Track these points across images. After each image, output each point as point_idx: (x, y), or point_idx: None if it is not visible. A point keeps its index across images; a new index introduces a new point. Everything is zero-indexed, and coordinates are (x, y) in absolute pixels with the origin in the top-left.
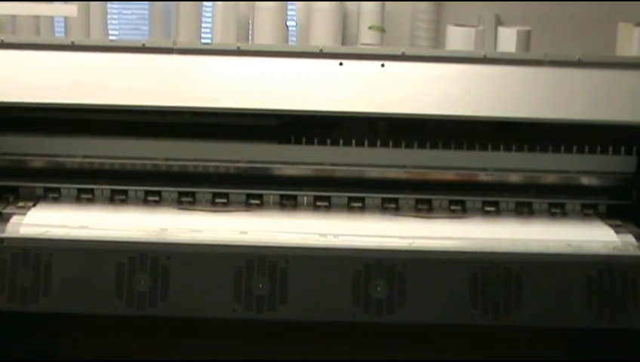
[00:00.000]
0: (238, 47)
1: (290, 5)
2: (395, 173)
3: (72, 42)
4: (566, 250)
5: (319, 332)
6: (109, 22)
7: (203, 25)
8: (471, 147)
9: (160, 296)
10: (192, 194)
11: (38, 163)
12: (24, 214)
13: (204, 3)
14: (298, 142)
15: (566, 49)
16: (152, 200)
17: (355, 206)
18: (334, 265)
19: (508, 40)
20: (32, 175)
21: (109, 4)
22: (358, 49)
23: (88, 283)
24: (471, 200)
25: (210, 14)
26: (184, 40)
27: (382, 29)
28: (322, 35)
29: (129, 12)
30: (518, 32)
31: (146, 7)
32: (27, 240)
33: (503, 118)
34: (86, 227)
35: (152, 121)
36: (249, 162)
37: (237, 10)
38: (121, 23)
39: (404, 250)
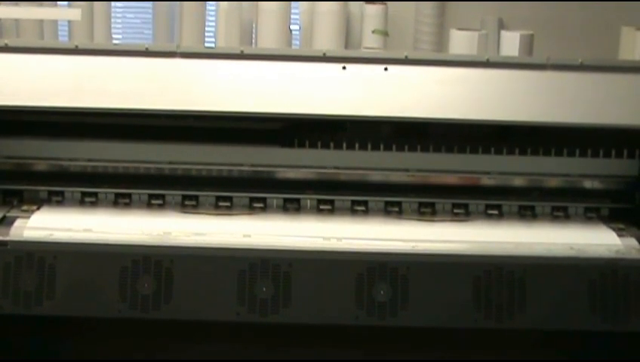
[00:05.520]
0: (242, 51)
1: (294, 9)
2: (399, 177)
3: (76, 46)
4: (569, 254)
5: (322, 336)
6: (112, 25)
7: (206, 27)
8: (474, 150)
9: (163, 299)
10: (196, 197)
11: (41, 166)
12: (28, 217)
13: (208, 4)
14: (301, 145)
15: (569, 53)
16: (155, 203)
17: (359, 209)
18: (337, 269)
19: (511, 44)
20: (36, 178)
21: (113, 6)
22: (362, 53)
23: (92, 286)
24: (474, 204)
25: (213, 16)
26: (188, 42)
27: (385, 33)
28: (325, 39)
29: (132, 16)
30: (520, 35)
31: (150, 10)
32: (31, 244)
33: (505, 121)
34: (90, 230)
35: (156, 124)
36: (252, 166)
37: (240, 13)
38: (124, 26)
39: (407, 253)
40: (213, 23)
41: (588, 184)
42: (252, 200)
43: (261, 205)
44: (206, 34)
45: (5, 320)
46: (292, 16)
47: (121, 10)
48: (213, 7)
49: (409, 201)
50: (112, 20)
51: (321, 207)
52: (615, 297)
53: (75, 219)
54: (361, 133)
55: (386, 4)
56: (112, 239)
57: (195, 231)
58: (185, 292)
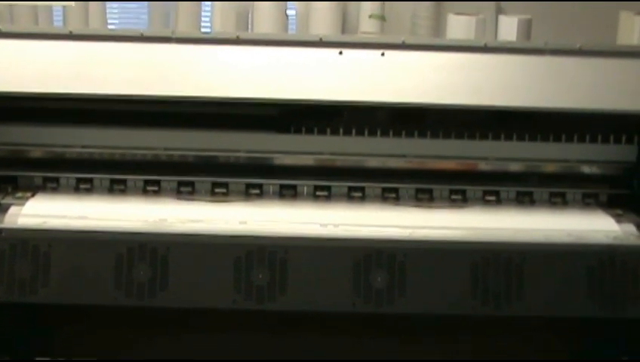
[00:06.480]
0: (237, 37)
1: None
2: (396, 163)
3: (70, 31)
4: (567, 240)
5: (319, 323)
6: (107, 11)
7: (202, 21)
8: (471, 136)
9: (159, 286)
10: (192, 184)
11: (36, 153)
12: (22, 204)
13: (203, 3)
14: (298, 131)
15: (567, 37)
16: (151, 190)
17: (356, 195)
18: (334, 255)
19: (509, 28)
20: (31, 165)
21: (107, 4)
22: (358, 38)
23: (87, 273)
24: (471, 190)
25: (209, 12)
26: (183, 27)
27: (382, 18)
28: (322, 24)
29: (129, 15)
30: (518, 20)
31: (145, 5)
32: (25, 231)
33: (503, 107)
34: (85, 217)
35: (151, 110)
36: (248, 152)
37: (237, 4)
38: (120, 11)
39: (405, 240)
40: (209, 9)
41: (586, 170)
42: (248, 186)
43: (257, 191)
44: (202, 24)
45: None
46: (288, 2)
47: (117, 5)
48: (208, 4)
49: (406, 187)
50: (108, 5)
51: (318, 193)
52: (613, 283)
53: (70, 206)
54: (357, 119)
55: None
56: (108, 226)
57: (190, 217)
58: (181, 279)
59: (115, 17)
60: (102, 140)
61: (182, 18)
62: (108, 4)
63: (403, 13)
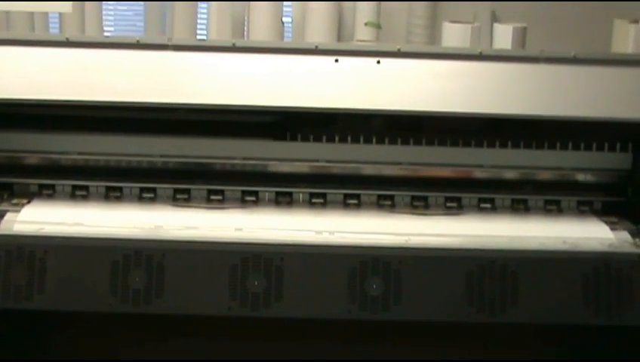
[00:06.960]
0: (234, 44)
1: (286, 6)
2: (391, 170)
3: (67, 38)
4: (561, 247)
5: (315, 330)
6: (104, 17)
7: (198, 20)
8: (467, 144)
9: (155, 293)
10: (188, 191)
11: (32, 159)
12: (18, 211)
13: (200, 4)
14: (294, 138)
15: (562, 46)
16: (147, 197)
17: (351, 203)
18: (330, 262)
19: (504, 37)
20: (27, 172)
21: (104, 10)
22: (354, 45)
23: (83, 280)
24: (467, 197)
25: (205, 10)
26: (179, 34)
27: (378, 26)
28: (318, 32)
29: (125, 8)
30: (513, 28)
31: (142, 7)
32: (21, 238)
33: (498, 114)
34: (81, 224)
35: (147, 117)
36: (244, 159)
37: (232, 9)
38: (116, 18)
39: (400, 247)
40: (205, 16)
41: (581, 177)
42: (244, 193)
43: (253, 198)
44: (198, 27)
45: None
46: (284, 9)
47: (112, 6)
48: (204, 5)
49: (402, 195)
50: (104, 13)
51: (314, 200)
52: (608, 291)
53: (66, 212)
54: (353, 127)
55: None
56: (103, 233)
57: (186, 224)
58: (176, 286)
59: (111, 24)
60: (98, 147)
61: (178, 20)
62: (104, 10)
63: (398, 20)
